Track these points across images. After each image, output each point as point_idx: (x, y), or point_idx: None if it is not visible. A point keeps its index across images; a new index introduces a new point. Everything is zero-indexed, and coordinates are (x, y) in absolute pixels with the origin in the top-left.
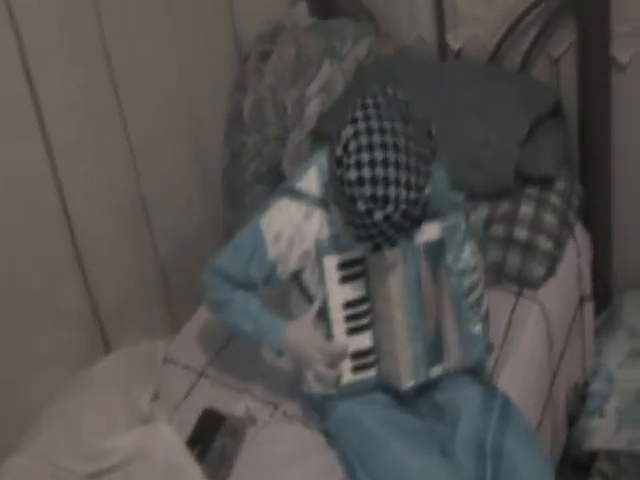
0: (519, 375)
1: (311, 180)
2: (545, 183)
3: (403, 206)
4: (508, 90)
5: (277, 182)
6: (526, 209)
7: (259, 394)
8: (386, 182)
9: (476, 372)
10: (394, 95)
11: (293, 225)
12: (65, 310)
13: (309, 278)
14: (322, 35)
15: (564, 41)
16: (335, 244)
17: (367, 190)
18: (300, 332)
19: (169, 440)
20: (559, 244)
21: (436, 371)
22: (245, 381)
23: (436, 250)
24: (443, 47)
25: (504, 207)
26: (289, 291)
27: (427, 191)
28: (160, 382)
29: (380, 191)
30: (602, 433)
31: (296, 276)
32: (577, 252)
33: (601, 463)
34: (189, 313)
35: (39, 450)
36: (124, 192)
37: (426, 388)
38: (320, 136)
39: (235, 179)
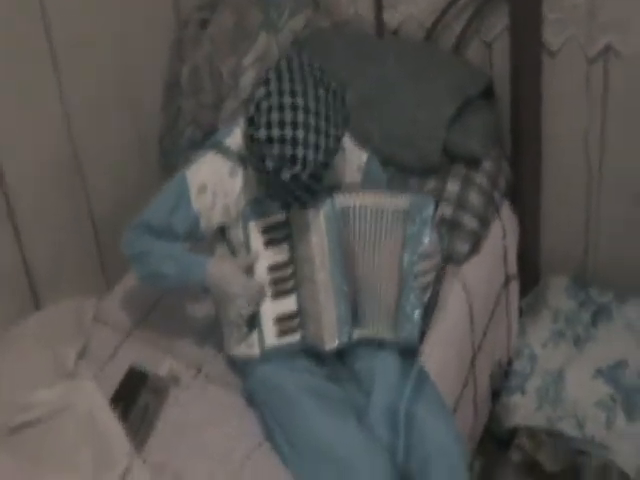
0: (439, 348)
1: (237, 137)
2: (472, 163)
3: (311, 167)
4: (440, 69)
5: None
6: (452, 187)
7: (184, 356)
8: (294, 142)
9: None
10: (309, 60)
11: (218, 178)
12: None
13: (234, 238)
14: (260, 6)
15: (497, 25)
16: (259, 208)
17: (275, 149)
18: (222, 266)
19: (92, 396)
20: (484, 223)
21: (359, 333)
22: (171, 342)
23: (382, 217)
24: (380, 24)
25: (431, 184)
26: (213, 248)
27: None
28: (88, 340)
29: (288, 151)
30: (523, 410)
31: (222, 233)
32: (503, 232)
33: (520, 439)
34: (122, 274)
35: None
36: (58, 153)
37: (347, 356)
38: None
39: (171, 144)
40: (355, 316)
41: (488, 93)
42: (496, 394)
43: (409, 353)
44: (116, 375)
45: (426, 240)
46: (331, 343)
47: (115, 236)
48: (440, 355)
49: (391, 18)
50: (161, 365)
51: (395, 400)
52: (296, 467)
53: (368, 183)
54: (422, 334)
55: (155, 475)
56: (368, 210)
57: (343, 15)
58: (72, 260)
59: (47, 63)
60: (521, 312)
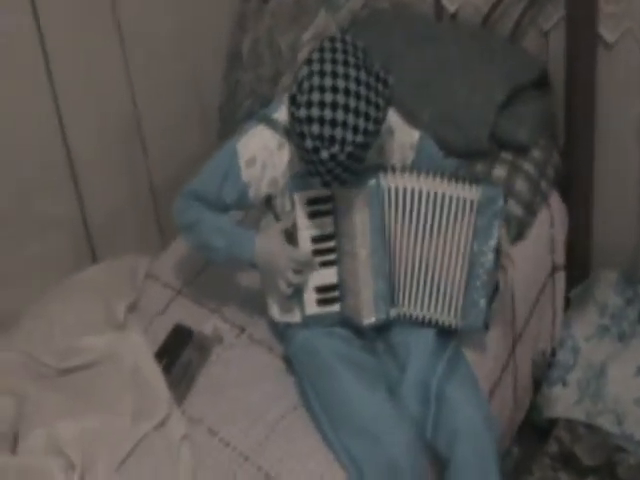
0: (476, 333)
1: (285, 113)
2: (520, 150)
3: (349, 148)
4: (494, 56)
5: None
6: (499, 172)
7: (229, 316)
8: (333, 123)
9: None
10: (352, 41)
11: (267, 151)
12: (56, 219)
13: (280, 207)
14: None
15: (554, 15)
16: (305, 180)
17: (315, 129)
18: (269, 241)
19: (139, 348)
20: (529, 210)
21: (395, 312)
22: (218, 302)
23: (422, 200)
24: (439, 8)
25: (478, 168)
26: (261, 217)
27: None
28: (139, 296)
29: (327, 131)
30: (563, 402)
31: (268, 201)
32: (551, 221)
33: (559, 431)
34: (176, 234)
35: (17, 343)
36: (121, 116)
37: (385, 329)
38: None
39: (230, 115)
40: (397, 295)
41: (543, 82)
42: (538, 383)
43: (446, 332)
44: (163, 330)
45: (496, 232)
46: (368, 318)
47: (172, 199)
48: (478, 338)
49: (450, 2)
50: (206, 324)
51: (428, 375)
52: (327, 432)
53: (422, 161)
54: (486, 323)
55: (191, 427)
56: (424, 194)
57: None
58: (129, 218)
59: (111, 32)
60: (568, 304)
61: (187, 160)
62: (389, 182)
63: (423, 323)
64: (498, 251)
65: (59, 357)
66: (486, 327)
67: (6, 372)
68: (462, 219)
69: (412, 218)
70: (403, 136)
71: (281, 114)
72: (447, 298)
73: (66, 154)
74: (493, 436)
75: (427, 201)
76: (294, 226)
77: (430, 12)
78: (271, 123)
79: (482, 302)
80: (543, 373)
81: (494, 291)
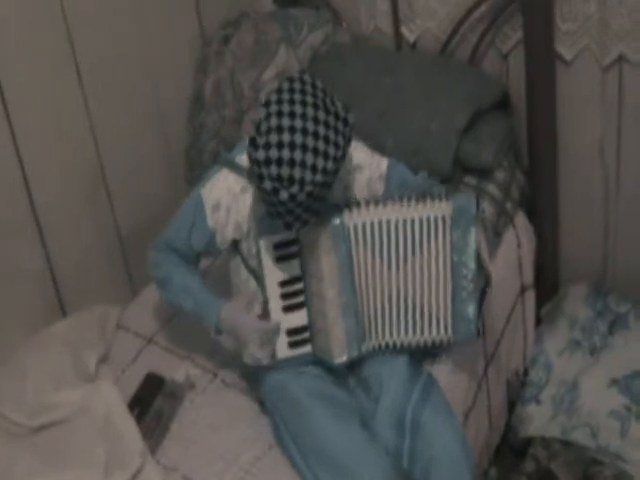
0: (448, 357)
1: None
2: (484, 173)
3: (309, 187)
4: (455, 81)
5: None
6: None
7: (201, 362)
8: (292, 164)
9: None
10: (311, 81)
11: (231, 195)
12: (23, 274)
13: (246, 251)
14: (280, 22)
15: (513, 37)
16: (270, 224)
17: (273, 170)
18: (234, 313)
19: (111, 398)
20: (496, 233)
21: (366, 347)
22: (189, 349)
23: (433, 227)
24: (399, 38)
25: None
26: (229, 262)
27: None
28: (110, 346)
29: (285, 172)
30: (537, 420)
31: (235, 245)
32: (517, 242)
33: (535, 449)
34: (146, 282)
35: None
36: (85, 165)
37: (356, 363)
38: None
39: (196, 157)
40: (369, 329)
41: (504, 104)
42: (513, 404)
43: (417, 360)
44: (135, 380)
45: (472, 240)
46: (340, 358)
47: (141, 246)
48: (449, 363)
49: (409, 32)
50: (178, 371)
51: (402, 404)
52: (302, 469)
53: (393, 189)
54: (478, 330)
55: (166, 476)
56: (392, 224)
57: (363, 30)
58: (98, 269)
59: (73, 78)
60: (540, 321)
61: (155, 206)
62: (354, 219)
63: (406, 348)
64: (479, 256)
65: (31, 415)
66: (478, 334)
67: None
68: (436, 237)
69: (383, 250)
70: (372, 171)
71: (244, 158)
72: (434, 317)
73: (30, 205)
74: (469, 462)
75: (397, 229)
76: (261, 273)
77: (390, 43)
78: (234, 167)
79: (471, 312)
80: (517, 393)
81: (482, 294)
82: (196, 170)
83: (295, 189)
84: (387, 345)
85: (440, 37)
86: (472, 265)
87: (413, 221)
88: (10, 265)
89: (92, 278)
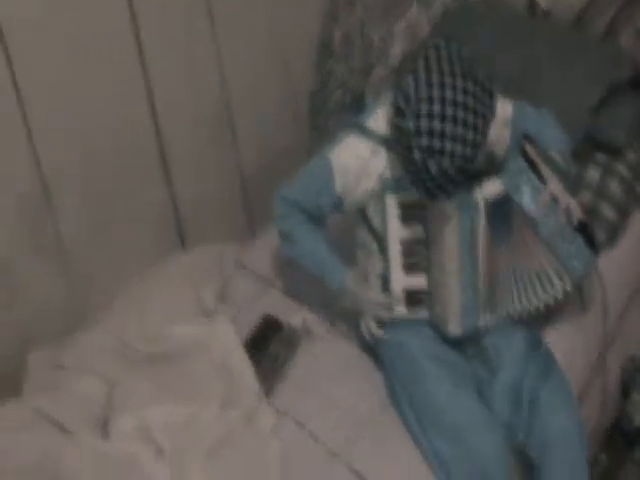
0: (567, 334)
1: (380, 119)
2: (615, 152)
3: (459, 161)
4: (589, 55)
5: (359, 112)
6: (592, 174)
7: (320, 309)
8: (443, 136)
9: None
10: (458, 50)
11: (360, 161)
12: (148, 207)
13: (373, 213)
14: None
15: None
16: (398, 184)
17: (424, 141)
18: (357, 285)
19: (228, 338)
20: (623, 213)
21: (483, 321)
22: (309, 295)
23: (500, 205)
24: (533, 5)
25: None
26: (355, 221)
27: (487, 148)
28: (228, 284)
29: (437, 144)
30: None
31: (361, 209)
32: None
33: None
34: (266, 224)
35: (110, 329)
36: (212, 104)
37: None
38: (402, 75)
39: (320, 105)
40: (486, 305)
41: (638, 82)
42: (627, 390)
43: (537, 335)
44: (252, 320)
45: (526, 191)
46: (455, 330)
47: (262, 188)
48: (567, 341)
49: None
50: (295, 316)
51: (520, 379)
52: (415, 432)
53: (521, 131)
54: (597, 251)
55: (279, 419)
56: (494, 203)
57: None
58: (219, 206)
59: (205, 23)
60: None
61: (278, 148)
62: (480, 195)
63: (525, 319)
64: (553, 199)
65: (148, 342)
66: (595, 259)
67: (99, 356)
68: (512, 211)
69: (495, 226)
70: (498, 116)
71: (375, 121)
72: (544, 276)
73: (158, 141)
74: (584, 445)
75: (499, 205)
76: (384, 228)
77: (523, 9)
78: (364, 131)
79: (574, 247)
80: (632, 379)
81: (582, 226)
82: (320, 117)
83: (446, 162)
84: (507, 316)
85: (575, 7)
86: (549, 214)
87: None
88: (136, 198)
89: (213, 215)
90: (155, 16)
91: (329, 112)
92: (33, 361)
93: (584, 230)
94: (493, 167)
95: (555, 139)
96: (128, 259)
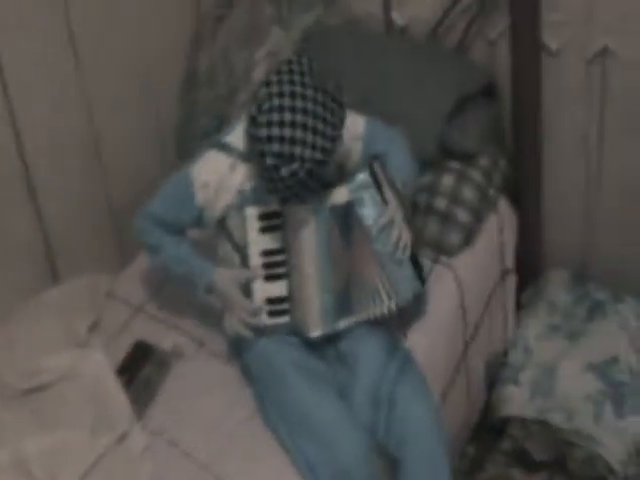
0: (427, 336)
1: (238, 135)
2: (468, 158)
3: (308, 165)
4: (442, 67)
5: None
6: (447, 181)
7: (189, 331)
8: (292, 141)
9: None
10: (309, 63)
11: (219, 175)
12: (15, 241)
13: (233, 227)
14: (273, 3)
15: (500, 24)
16: (256, 196)
17: (275, 147)
18: (226, 280)
19: (99, 365)
20: (477, 217)
21: (343, 324)
22: (178, 318)
23: (344, 212)
24: (389, 23)
25: (427, 178)
26: (216, 235)
27: (334, 155)
28: (100, 314)
29: (287, 149)
30: (515, 401)
31: (221, 222)
32: (499, 227)
33: (512, 428)
34: (136, 253)
35: None
36: (79, 136)
37: (334, 336)
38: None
39: (186, 133)
40: (343, 306)
41: (490, 91)
42: (492, 384)
43: (393, 336)
44: (124, 347)
45: (376, 210)
46: (315, 331)
47: (131, 218)
48: (428, 343)
49: (400, 17)
50: (166, 339)
51: (378, 381)
52: (283, 437)
53: (371, 148)
54: (423, 279)
55: (152, 440)
56: (339, 208)
57: (354, 13)
58: (90, 238)
59: (69, 51)
60: (520, 306)
61: (145, 179)
62: (333, 200)
63: (365, 325)
64: (391, 221)
65: (22, 377)
66: (421, 289)
67: None
68: (354, 221)
69: (345, 231)
70: (349, 130)
71: (233, 137)
72: (378, 294)
73: (24, 172)
74: (443, 436)
75: (344, 212)
76: (245, 241)
77: (380, 27)
78: (223, 147)
79: (406, 273)
80: (496, 374)
81: (412, 256)
82: (187, 145)
83: (296, 166)
84: (357, 322)
85: (430, 22)
86: (386, 230)
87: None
88: (5, 231)
89: (84, 247)
90: (18, 47)
91: (195, 140)
92: None
93: (414, 260)
94: (343, 177)
95: (402, 164)
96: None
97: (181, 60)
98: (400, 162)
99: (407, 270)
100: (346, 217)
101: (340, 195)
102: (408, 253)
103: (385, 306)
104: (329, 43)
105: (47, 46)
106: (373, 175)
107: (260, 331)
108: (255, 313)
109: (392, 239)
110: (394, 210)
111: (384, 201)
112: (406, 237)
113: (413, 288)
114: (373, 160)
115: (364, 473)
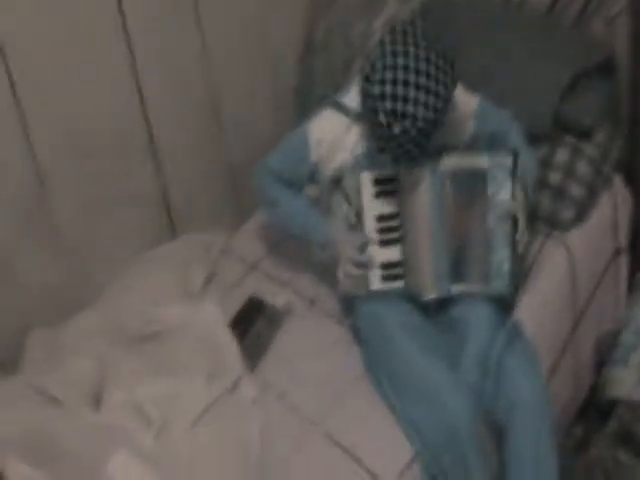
0: (536, 308)
1: (354, 96)
2: (584, 134)
3: (420, 123)
4: (559, 41)
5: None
6: (561, 155)
7: (301, 289)
8: (405, 99)
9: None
10: (422, 25)
11: (334, 134)
12: (138, 196)
13: (348, 187)
14: None
15: (620, 2)
16: (371, 160)
17: (388, 104)
18: (337, 228)
19: (213, 317)
20: (591, 192)
21: (457, 289)
22: (291, 276)
23: (470, 178)
24: None
25: (542, 151)
26: (330, 193)
27: (445, 115)
28: (215, 269)
29: (399, 107)
30: (624, 383)
31: (337, 182)
32: (613, 204)
33: (621, 410)
34: (251, 213)
35: (102, 311)
36: (200, 95)
37: (445, 303)
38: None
39: (304, 98)
40: (456, 272)
41: (608, 68)
42: (601, 364)
43: (505, 307)
44: (237, 302)
45: (506, 197)
46: (429, 294)
47: (248, 179)
48: (537, 314)
49: None
50: (278, 297)
51: (487, 348)
52: (389, 397)
53: (484, 127)
54: (515, 287)
55: (261, 392)
56: (463, 172)
57: None
58: (208, 197)
59: (190, 17)
60: (632, 287)
61: (262, 140)
62: (446, 164)
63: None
64: (514, 216)
65: (138, 324)
66: (513, 292)
67: (92, 337)
68: (481, 190)
69: (458, 197)
70: (463, 108)
71: (350, 98)
72: (479, 270)
73: (148, 132)
74: (549, 408)
75: (466, 178)
76: (360, 206)
77: (498, 1)
78: (339, 107)
79: (505, 268)
80: (606, 354)
81: (516, 259)
82: (304, 110)
83: (408, 123)
84: (466, 292)
85: None
86: (506, 223)
87: (475, 172)
88: (127, 187)
89: (202, 205)
90: (142, 7)
91: (313, 105)
92: (30, 341)
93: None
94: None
95: (527, 165)
96: (121, 245)
97: (300, 25)
98: (525, 161)
99: (504, 266)
100: (470, 183)
101: (455, 160)
102: (521, 251)
103: (484, 287)
104: (447, 15)
105: (170, 15)
106: (514, 164)
107: (373, 294)
108: (363, 248)
109: (506, 230)
110: (519, 207)
111: (513, 195)
112: (525, 237)
113: (502, 284)
114: (516, 153)
115: (470, 436)
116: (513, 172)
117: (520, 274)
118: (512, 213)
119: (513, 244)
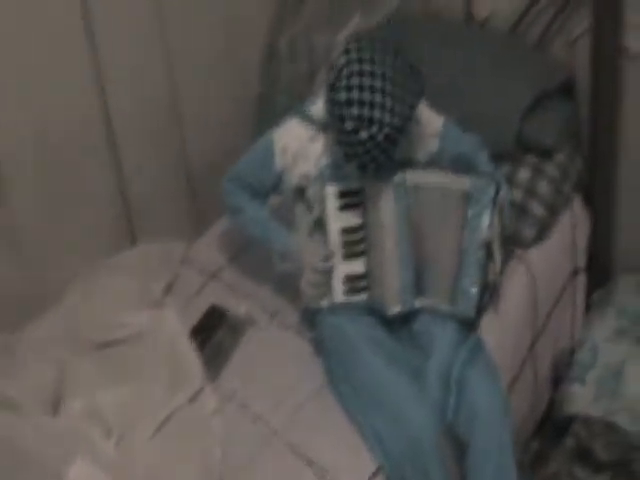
0: (497, 325)
1: (320, 106)
2: (545, 154)
3: (387, 129)
4: (522, 61)
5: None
6: (523, 174)
7: (262, 301)
8: (372, 105)
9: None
10: (386, 39)
11: (299, 143)
12: (97, 201)
13: (312, 198)
14: None
15: (581, 24)
16: (336, 173)
17: (354, 110)
18: (297, 239)
19: (174, 326)
20: (552, 212)
21: (420, 302)
22: (251, 287)
23: (449, 197)
24: (469, 16)
25: (504, 170)
26: (294, 203)
27: (411, 123)
28: (175, 278)
29: (366, 112)
30: (581, 400)
31: (300, 192)
32: (572, 224)
33: (577, 427)
34: (212, 221)
35: (61, 318)
36: (160, 102)
37: (408, 318)
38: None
39: (266, 107)
40: (418, 286)
41: (569, 89)
42: (558, 381)
43: (467, 324)
44: (198, 312)
45: (485, 223)
46: (394, 308)
47: (209, 187)
48: (497, 332)
49: (480, 11)
50: (239, 307)
51: (450, 363)
52: (353, 408)
53: (447, 148)
54: (479, 310)
55: (223, 402)
56: (436, 189)
57: (434, 5)
58: (168, 203)
59: (155, 21)
60: (589, 307)
61: (224, 148)
62: (412, 177)
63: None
64: (489, 243)
65: (99, 331)
66: (477, 315)
67: (51, 344)
68: (457, 210)
69: (427, 212)
70: (428, 126)
71: (315, 108)
72: (446, 287)
73: (108, 139)
74: (509, 422)
75: (437, 195)
76: (324, 218)
77: (460, 21)
78: (306, 117)
79: (473, 291)
80: (563, 371)
81: (485, 284)
82: (266, 118)
83: (375, 129)
84: (428, 307)
85: (510, 18)
86: (480, 247)
87: (449, 190)
88: (86, 192)
89: (162, 213)
90: (107, 9)
91: (275, 114)
92: None
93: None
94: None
95: (493, 174)
96: (79, 250)
97: (264, 33)
98: (506, 193)
99: (473, 291)
100: (446, 201)
101: (422, 176)
102: (491, 279)
103: (450, 306)
104: (410, 31)
105: (136, 17)
106: (496, 193)
107: (336, 307)
108: (327, 257)
109: (479, 255)
110: (495, 236)
111: (491, 223)
112: (497, 267)
113: (468, 310)
114: (500, 182)
115: (433, 448)
116: (494, 200)
117: (486, 298)
118: (488, 241)
119: (485, 270)
